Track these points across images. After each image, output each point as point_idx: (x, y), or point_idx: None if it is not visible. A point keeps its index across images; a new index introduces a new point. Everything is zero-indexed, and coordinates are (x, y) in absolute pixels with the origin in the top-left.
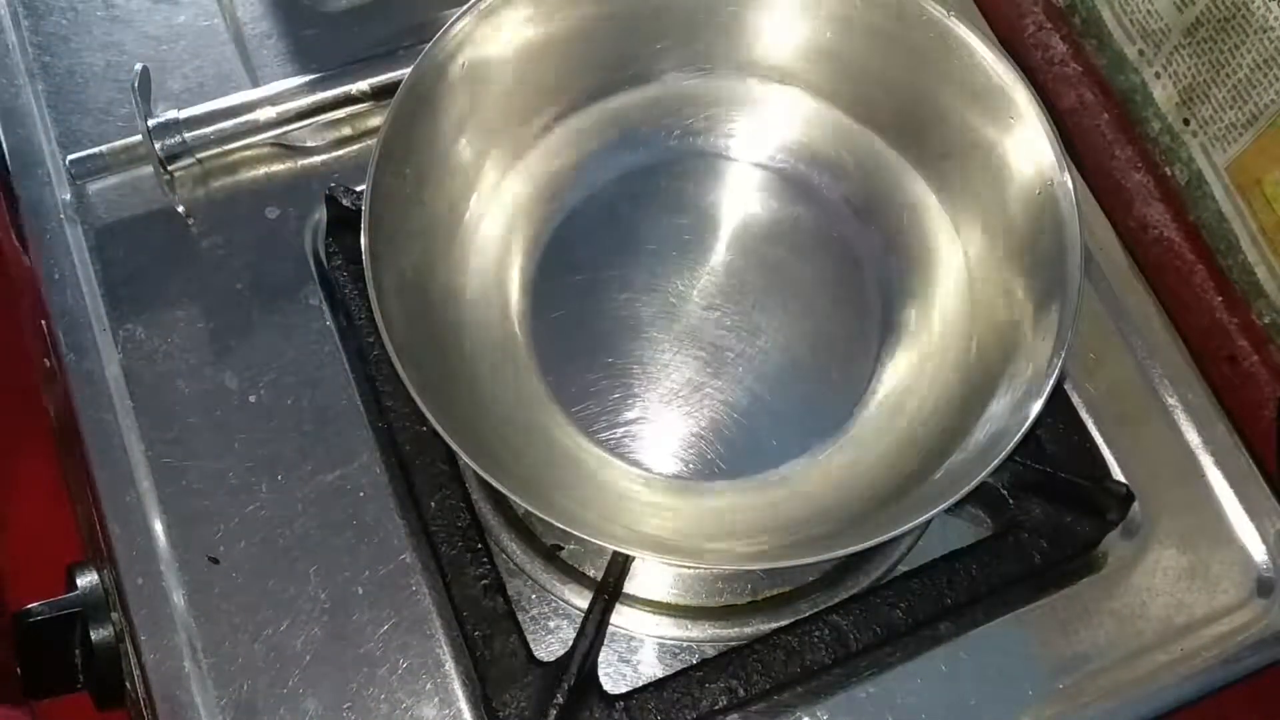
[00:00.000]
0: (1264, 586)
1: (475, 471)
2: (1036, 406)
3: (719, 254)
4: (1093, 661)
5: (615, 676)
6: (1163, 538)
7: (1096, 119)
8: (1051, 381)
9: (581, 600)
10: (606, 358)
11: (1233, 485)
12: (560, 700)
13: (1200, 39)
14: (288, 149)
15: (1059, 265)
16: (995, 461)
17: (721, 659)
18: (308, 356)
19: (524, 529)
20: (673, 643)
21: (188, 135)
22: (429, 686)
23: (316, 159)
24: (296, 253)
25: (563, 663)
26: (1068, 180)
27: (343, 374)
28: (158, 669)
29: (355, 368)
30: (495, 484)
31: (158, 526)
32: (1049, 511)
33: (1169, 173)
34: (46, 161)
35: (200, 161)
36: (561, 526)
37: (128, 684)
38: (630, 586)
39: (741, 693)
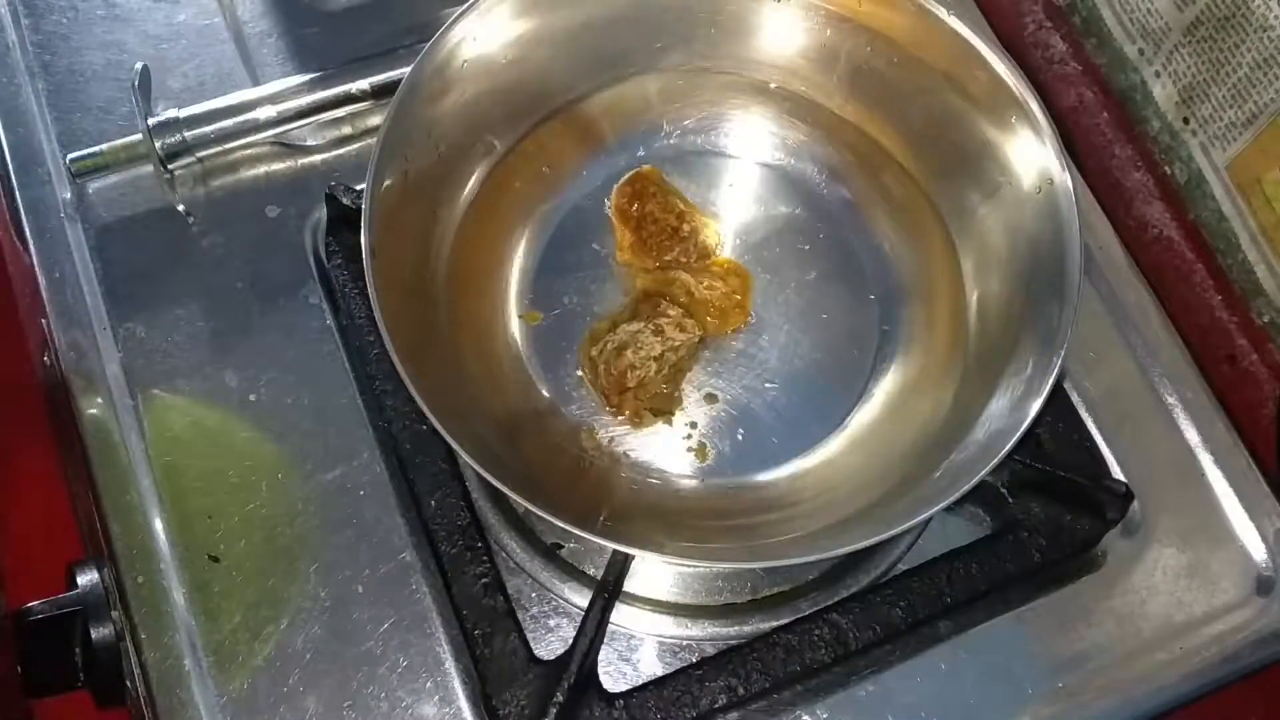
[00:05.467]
0: (1263, 585)
1: (475, 470)
2: (1036, 405)
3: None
4: (1092, 660)
5: (615, 675)
6: (1162, 536)
7: (1096, 118)
8: (1051, 380)
9: (581, 599)
10: None
11: (1232, 484)
12: (560, 698)
13: (1200, 38)
14: (288, 148)
15: (1058, 264)
16: (995, 460)
17: (721, 657)
18: (308, 355)
19: (524, 528)
20: (672, 641)
21: (188, 134)
22: (429, 685)
23: (316, 158)
24: (297, 251)
25: (563, 661)
26: (1067, 179)
27: (343, 373)
28: (158, 667)
29: (355, 366)
30: (495, 482)
31: (158, 525)
32: (1048, 510)
33: (1169, 172)
34: (47, 160)
35: (200, 160)
36: (561, 525)
37: (128, 682)
38: (630, 585)
39: (741, 691)
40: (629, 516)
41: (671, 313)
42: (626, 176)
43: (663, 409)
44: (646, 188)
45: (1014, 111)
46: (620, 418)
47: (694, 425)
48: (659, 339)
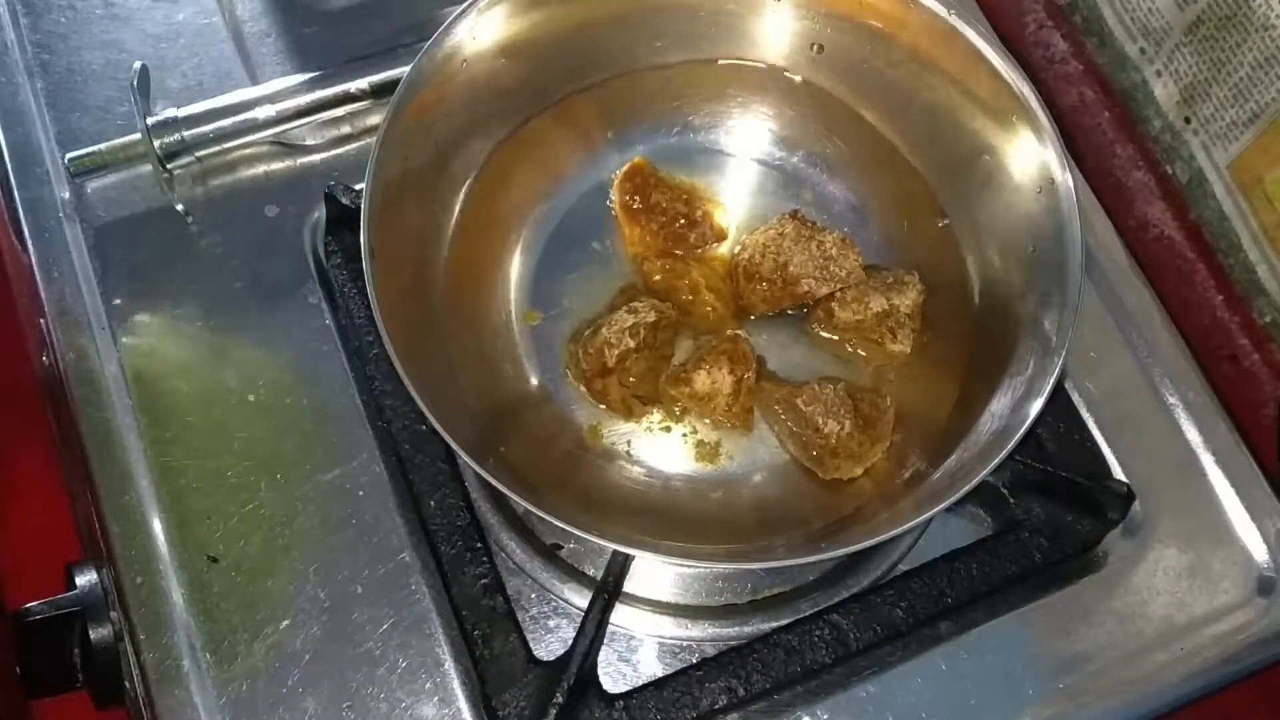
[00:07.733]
0: (1265, 585)
1: (474, 470)
2: (1037, 405)
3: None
4: (1093, 661)
5: (615, 676)
6: (1163, 537)
7: (1097, 117)
8: (1052, 381)
9: (581, 599)
10: None
11: (1234, 484)
12: (560, 700)
13: (1201, 37)
14: (287, 147)
15: (1060, 264)
16: (996, 460)
17: (721, 658)
18: (307, 355)
19: (523, 528)
20: (672, 642)
21: (187, 133)
22: (428, 686)
23: (316, 157)
24: (296, 251)
25: (562, 662)
26: (1069, 179)
27: (342, 373)
28: (157, 668)
29: (354, 366)
30: (494, 483)
31: (157, 525)
32: (1049, 511)
33: (1170, 171)
34: (45, 160)
35: (199, 160)
36: (561, 525)
37: (127, 683)
38: (630, 585)
39: (741, 692)
40: (629, 517)
41: (643, 298)
42: (622, 172)
43: (651, 397)
44: (646, 179)
45: (1015, 111)
46: (605, 407)
47: (694, 425)
48: (632, 315)
